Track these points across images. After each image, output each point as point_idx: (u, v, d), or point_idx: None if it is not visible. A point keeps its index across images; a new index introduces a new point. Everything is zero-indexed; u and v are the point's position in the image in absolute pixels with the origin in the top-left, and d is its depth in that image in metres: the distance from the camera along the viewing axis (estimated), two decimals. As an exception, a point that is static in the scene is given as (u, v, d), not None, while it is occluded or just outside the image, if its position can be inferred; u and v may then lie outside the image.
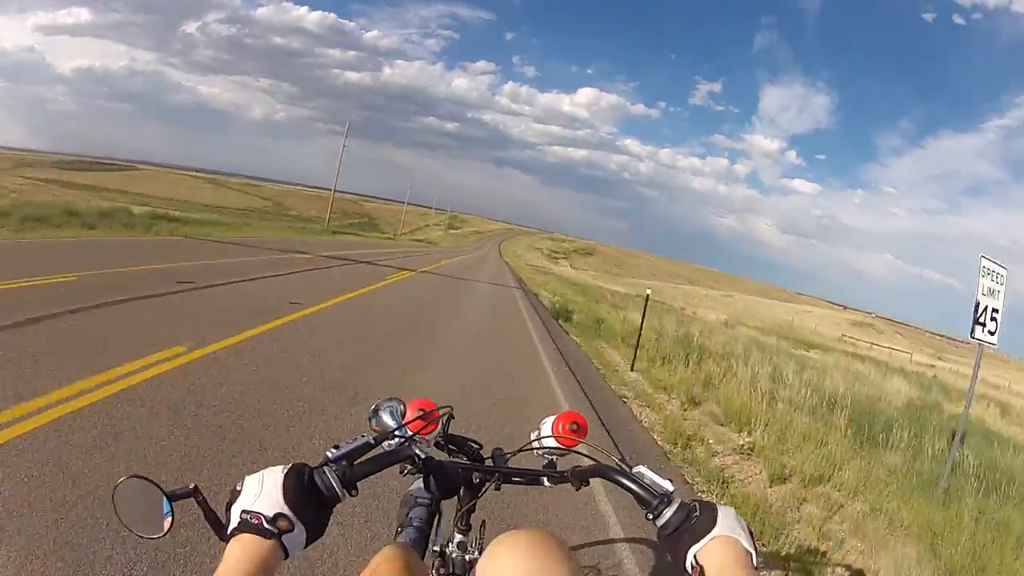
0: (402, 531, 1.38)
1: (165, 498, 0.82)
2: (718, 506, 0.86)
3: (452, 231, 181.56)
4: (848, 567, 3.90)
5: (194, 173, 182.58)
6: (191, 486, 0.83)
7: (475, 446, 1.28)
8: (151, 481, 0.82)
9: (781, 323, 43.16)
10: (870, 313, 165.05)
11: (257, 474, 0.85)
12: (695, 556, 0.82)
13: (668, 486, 0.94)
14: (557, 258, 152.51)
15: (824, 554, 4.01)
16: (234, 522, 0.80)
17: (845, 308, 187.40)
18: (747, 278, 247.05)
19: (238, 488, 0.83)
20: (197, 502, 0.82)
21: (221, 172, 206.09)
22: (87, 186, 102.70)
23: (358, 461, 0.95)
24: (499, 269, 36.62)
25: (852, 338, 44.18)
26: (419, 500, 1.37)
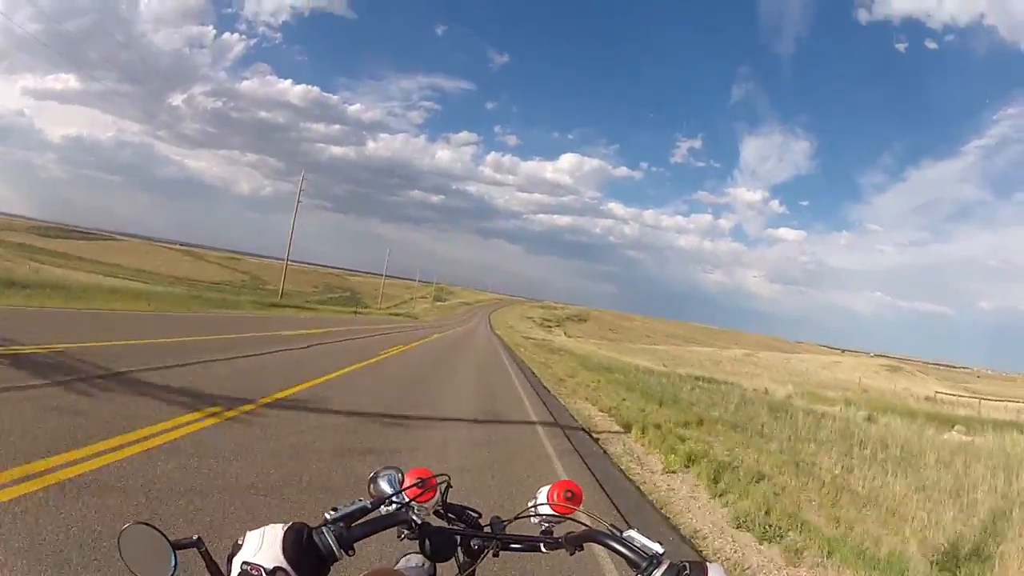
0: None
1: (169, 546, 0.86)
2: (708, 564, 0.89)
3: (439, 303, 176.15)
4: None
5: (176, 246, 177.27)
6: (195, 537, 0.87)
7: (474, 514, 1.28)
8: (157, 529, 0.86)
9: (846, 384, 35.91)
10: (870, 354, 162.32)
11: (258, 530, 0.89)
12: None
13: (658, 548, 0.98)
14: (550, 326, 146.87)
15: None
16: (234, 573, 0.85)
17: (843, 351, 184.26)
18: (743, 332, 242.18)
19: (240, 542, 0.88)
20: (200, 552, 0.86)
21: (207, 246, 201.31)
22: (60, 254, 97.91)
23: (356, 523, 1.00)
24: (491, 347, 30.22)
25: (947, 394, 35.95)
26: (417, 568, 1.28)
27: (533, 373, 17.77)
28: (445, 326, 50.60)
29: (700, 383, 20.45)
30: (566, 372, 19.20)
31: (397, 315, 64.28)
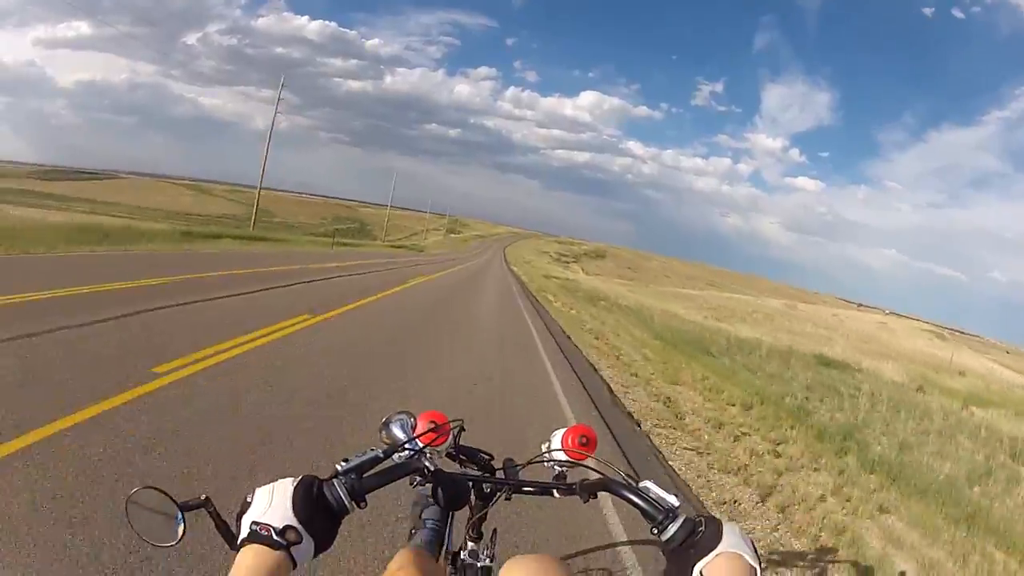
0: (416, 533, 1.44)
1: (177, 508, 0.85)
2: (723, 521, 0.87)
3: (453, 235, 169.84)
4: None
5: (178, 181, 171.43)
6: (202, 497, 0.85)
7: (486, 457, 1.27)
8: (164, 492, 0.85)
9: (929, 359, 29.93)
10: (885, 310, 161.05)
11: (267, 486, 0.87)
12: (700, 572, 0.83)
13: (674, 501, 0.94)
14: (568, 262, 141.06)
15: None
16: (244, 532, 0.81)
17: (860, 306, 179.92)
18: (759, 277, 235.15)
19: (248, 499, 0.85)
20: (208, 512, 0.85)
21: (220, 181, 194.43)
22: (56, 195, 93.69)
23: (367, 474, 0.96)
24: (506, 292, 23.75)
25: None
26: (431, 500, 1.20)
27: (593, 368, 9.73)
28: (454, 261, 44.75)
29: (821, 368, 14.58)
30: (641, 355, 11.88)
31: (399, 247, 58.14)
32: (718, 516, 0.90)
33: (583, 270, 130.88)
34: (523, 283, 31.31)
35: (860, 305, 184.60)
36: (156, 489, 0.86)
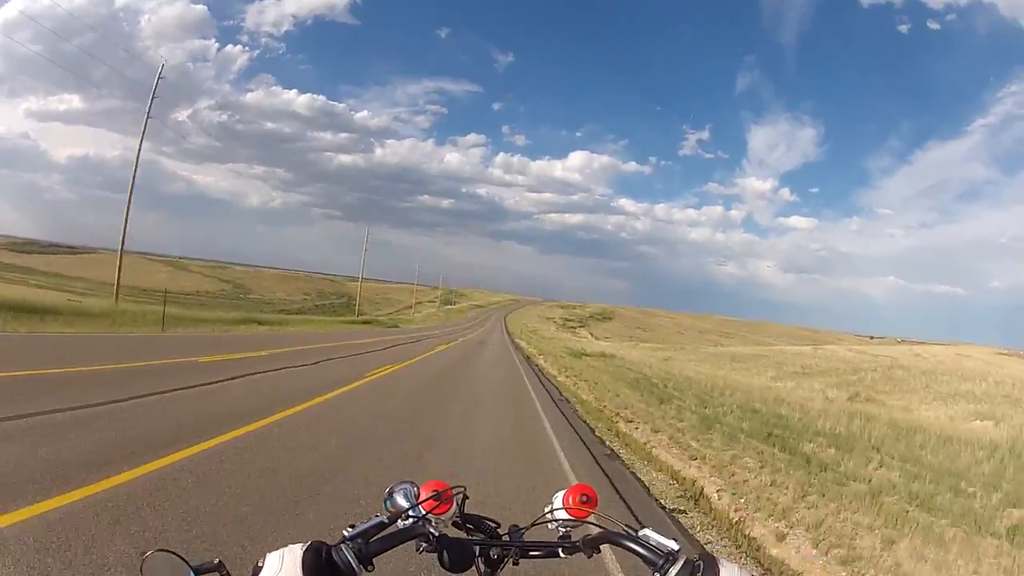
0: None
1: (191, 572, 0.87)
2: (722, 561, 0.92)
3: (448, 306, 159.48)
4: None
5: (156, 257, 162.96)
6: (216, 561, 0.89)
7: (492, 524, 1.27)
8: (178, 555, 0.87)
9: None
10: (896, 339, 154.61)
11: (278, 551, 0.89)
12: None
13: (673, 545, 0.98)
14: (574, 327, 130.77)
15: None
16: None
17: (872, 338, 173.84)
18: (769, 323, 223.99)
19: (259, 564, 0.87)
20: None
21: (208, 259, 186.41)
22: (21, 267, 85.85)
23: (374, 539, 1.00)
24: (519, 387, 14.00)
25: None
26: None
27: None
28: (448, 334, 34.00)
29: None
30: None
31: (368, 323, 44.71)
32: (715, 555, 0.96)
33: (591, 334, 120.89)
34: (540, 370, 20.15)
35: (872, 337, 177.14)
36: (170, 552, 0.88)
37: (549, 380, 17.41)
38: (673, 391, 15.82)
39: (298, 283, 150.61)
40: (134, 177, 24.07)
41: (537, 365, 22.20)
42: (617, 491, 6.19)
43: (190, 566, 0.87)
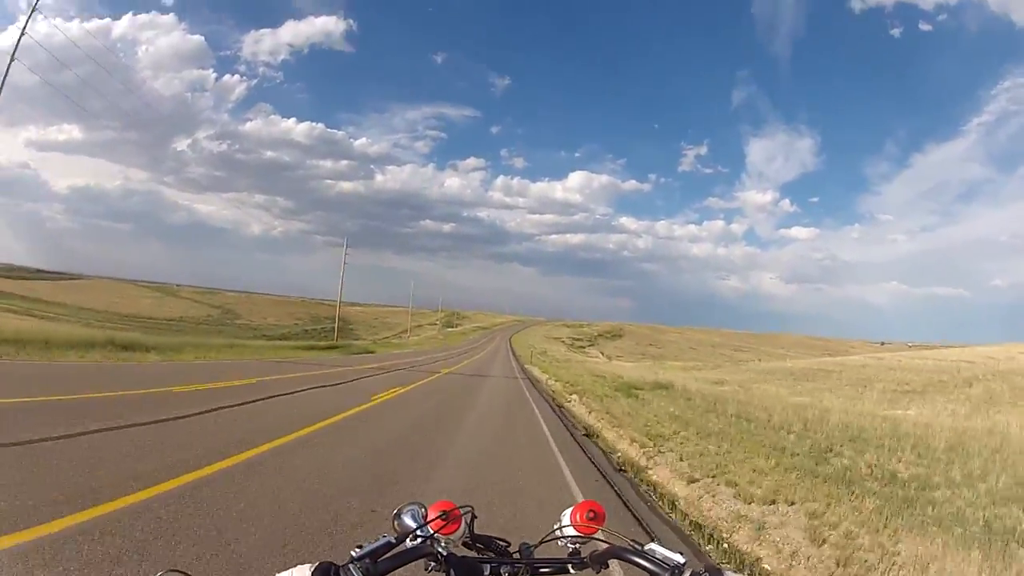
0: None
1: None
2: (726, 571, 0.95)
3: (450, 328, 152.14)
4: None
5: (143, 283, 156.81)
6: None
7: (502, 543, 1.24)
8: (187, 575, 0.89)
9: None
10: (909, 344, 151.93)
11: (286, 572, 0.89)
12: None
13: (679, 559, 1.00)
14: (583, 346, 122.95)
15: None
16: None
17: (882, 343, 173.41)
18: (779, 334, 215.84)
19: None
20: None
21: (203, 287, 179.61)
22: (7, 294, 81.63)
23: (381, 558, 0.99)
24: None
25: None
26: None
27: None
28: (443, 358, 26.72)
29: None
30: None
31: (336, 348, 33.49)
32: (721, 566, 0.96)
33: (602, 353, 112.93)
34: (597, 441, 13.50)
35: (883, 343, 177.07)
36: (181, 572, 0.87)
37: (565, 418, 10.80)
38: (834, 451, 8.66)
39: (291, 308, 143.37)
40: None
41: (579, 423, 12.76)
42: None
43: None
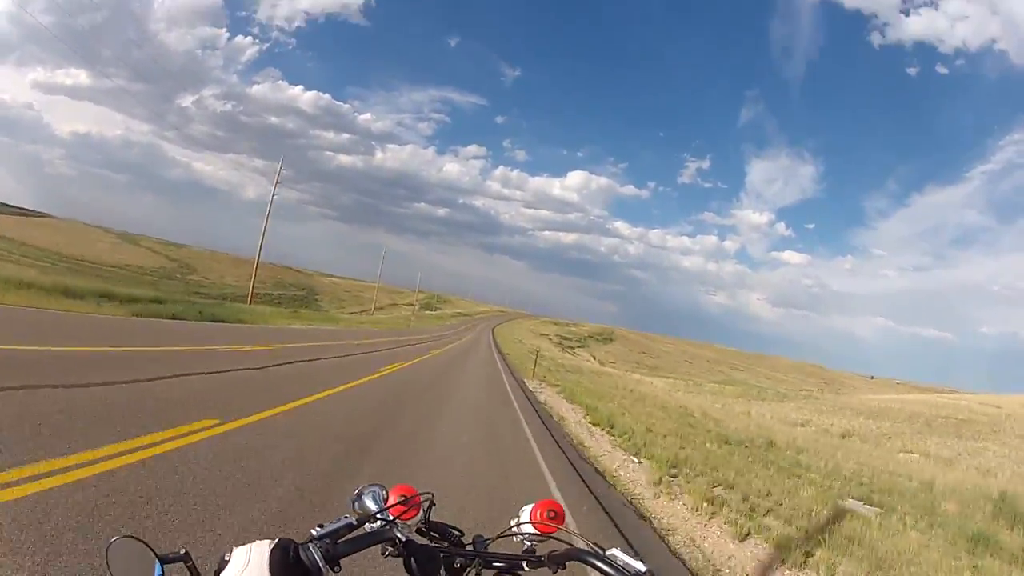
0: None
1: (157, 560, 0.84)
2: None
3: (428, 312, 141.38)
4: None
5: (109, 229, 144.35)
6: (182, 551, 0.86)
7: (456, 533, 1.23)
8: (145, 543, 0.86)
9: None
10: (896, 380, 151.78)
11: (245, 547, 0.87)
12: None
13: (640, 567, 0.97)
14: (572, 347, 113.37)
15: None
16: None
17: (872, 377, 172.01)
18: (769, 355, 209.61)
19: (226, 558, 0.85)
20: (187, 567, 0.85)
21: (217, 249, 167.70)
22: None
23: (341, 540, 0.98)
24: None
25: None
26: None
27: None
28: (398, 353, 16.45)
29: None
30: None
31: (242, 320, 21.33)
32: None
33: (594, 357, 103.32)
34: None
35: (872, 377, 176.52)
36: (136, 539, 0.86)
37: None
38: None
39: (249, 268, 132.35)
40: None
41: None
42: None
43: (156, 555, 0.84)
